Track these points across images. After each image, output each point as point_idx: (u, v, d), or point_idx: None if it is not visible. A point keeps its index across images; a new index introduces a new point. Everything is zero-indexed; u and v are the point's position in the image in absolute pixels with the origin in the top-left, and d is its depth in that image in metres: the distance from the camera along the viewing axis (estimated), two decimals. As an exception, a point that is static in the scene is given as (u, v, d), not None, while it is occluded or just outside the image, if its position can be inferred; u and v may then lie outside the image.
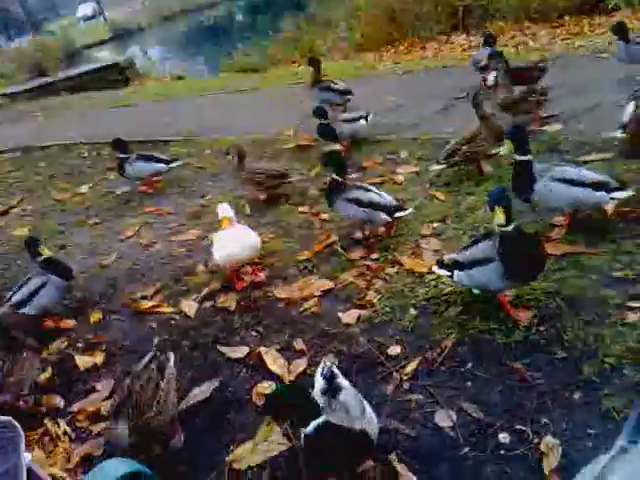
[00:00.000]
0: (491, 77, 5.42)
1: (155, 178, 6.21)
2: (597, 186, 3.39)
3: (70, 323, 4.08)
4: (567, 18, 10.13)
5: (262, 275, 4.05)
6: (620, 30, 5.75)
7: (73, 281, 4.24)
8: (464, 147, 4.57)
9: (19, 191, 7.27)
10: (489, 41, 6.59)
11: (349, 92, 7.03)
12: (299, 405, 2.14)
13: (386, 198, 4.02)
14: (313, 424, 2.12)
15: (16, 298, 3.95)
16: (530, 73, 5.81)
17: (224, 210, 3.87)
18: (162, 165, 5.95)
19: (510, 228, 2.77)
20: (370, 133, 5.94)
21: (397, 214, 3.96)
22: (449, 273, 3.14)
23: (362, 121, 5.72)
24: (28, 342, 3.42)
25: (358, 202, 3.97)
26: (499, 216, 2.70)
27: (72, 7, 67.51)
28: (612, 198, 3.41)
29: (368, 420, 2.30)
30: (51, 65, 22.46)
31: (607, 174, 3.56)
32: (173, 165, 6.02)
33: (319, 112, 5.62)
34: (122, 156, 6.00)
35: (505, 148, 3.45)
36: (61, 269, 4.07)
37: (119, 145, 6.03)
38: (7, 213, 6.59)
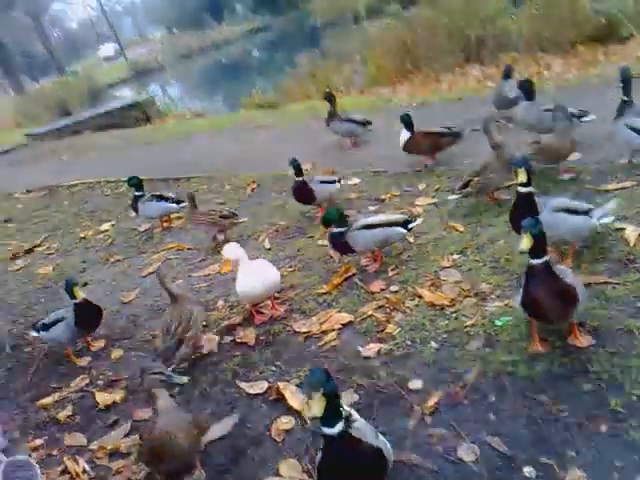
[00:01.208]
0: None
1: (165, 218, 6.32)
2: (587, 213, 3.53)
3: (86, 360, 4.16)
4: (581, 47, 10.18)
5: (281, 309, 4.06)
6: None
7: (92, 330, 4.28)
8: (476, 178, 4.59)
9: (44, 229, 7.41)
10: (509, 73, 6.53)
11: (369, 123, 7.16)
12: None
13: (393, 215, 4.32)
14: (338, 426, 2.10)
15: (42, 321, 4.20)
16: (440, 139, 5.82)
17: (228, 251, 3.89)
18: (174, 205, 6.06)
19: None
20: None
21: (410, 225, 4.15)
22: None
23: (337, 184, 5.38)
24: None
25: (369, 226, 4.09)
26: (525, 242, 2.65)
27: (93, 47, 69.59)
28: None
29: (383, 442, 2.31)
30: (75, 105, 23.13)
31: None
32: (184, 205, 6.03)
33: (294, 164, 5.22)
34: (137, 194, 6.14)
35: (521, 177, 3.42)
36: (82, 317, 4.10)
37: (133, 184, 6.17)
38: (32, 251, 6.72)
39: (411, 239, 4.51)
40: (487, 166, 4.59)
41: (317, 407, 2.03)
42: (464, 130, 5.81)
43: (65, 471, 3.11)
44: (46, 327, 4.13)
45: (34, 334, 4.24)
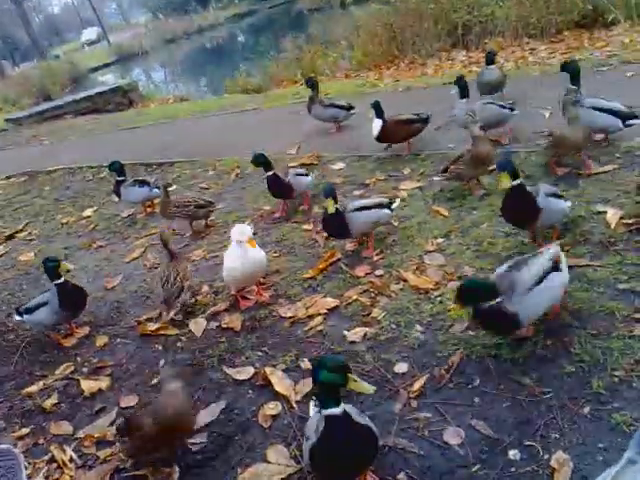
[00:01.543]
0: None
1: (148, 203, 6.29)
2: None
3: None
4: (566, 33, 10.19)
5: (267, 295, 4.05)
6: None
7: (78, 312, 4.23)
8: (451, 166, 4.67)
9: (25, 215, 7.32)
10: (492, 59, 6.52)
11: (352, 107, 7.14)
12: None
13: (377, 198, 4.37)
14: (342, 406, 2.16)
15: (25, 306, 4.16)
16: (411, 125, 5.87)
17: (240, 232, 3.79)
18: (156, 190, 5.99)
19: None
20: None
21: (392, 206, 4.25)
22: None
23: (310, 177, 5.29)
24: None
25: (363, 208, 4.12)
26: (504, 181, 3.37)
27: (76, 32, 68.61)
28: None
29: (370, 422, 2.34)
30: (56, 89, 22.77)
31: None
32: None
33: (260, 159, 5.06)
34: (119, 179, 6.10)
35: (504, 182, 3.44)
36: (66, 298, 4.04)
37: (114, 168, 6.13)
38: (12, 238, 6.63)
39: (395, 223, 4.52)
40: (460, 157, 4.66)
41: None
42: (430, 115, 5.92)
43: (52, 460, 3.08)
44: (30, 311, 4.08)
45: (17, 318, 4.19)
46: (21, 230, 6.77)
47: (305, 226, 4.93)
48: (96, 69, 38.17)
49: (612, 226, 3.65)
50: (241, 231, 3.79)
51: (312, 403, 2.62)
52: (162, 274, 4.02)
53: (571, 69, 5.07)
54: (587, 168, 4.48)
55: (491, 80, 6.43)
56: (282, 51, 15.47)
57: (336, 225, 4.07)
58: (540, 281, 2.78)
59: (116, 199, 6.46)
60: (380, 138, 5.84)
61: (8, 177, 9.43)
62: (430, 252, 4.02)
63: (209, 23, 45.92)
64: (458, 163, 4.62)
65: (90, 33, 62.46)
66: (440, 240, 4.14)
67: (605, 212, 3.79)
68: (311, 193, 5.42)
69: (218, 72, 23.55)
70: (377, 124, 5.75)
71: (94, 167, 8.63)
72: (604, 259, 3.39)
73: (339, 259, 4.25)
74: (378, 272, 3.95)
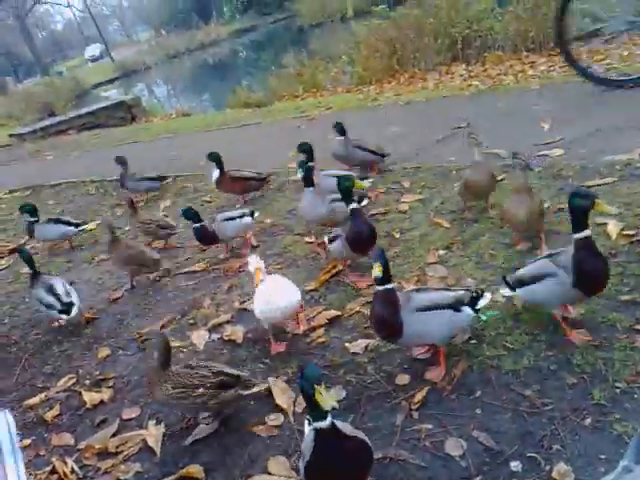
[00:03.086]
0: None
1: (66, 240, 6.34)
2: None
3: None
4: (565, 46, 10.25)
5: (303, 327, 3.74)
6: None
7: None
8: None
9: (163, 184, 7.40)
10: (341, 129, 5.81)
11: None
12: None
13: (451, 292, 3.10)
14: (329, 418, 2.14)
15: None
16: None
17: (253, 263, 3.54)
18: (71, 228, 6.10)
19: None
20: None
21: (479, 305, 3.01)
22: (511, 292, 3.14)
23: (247, 218, 4.91)
24: None
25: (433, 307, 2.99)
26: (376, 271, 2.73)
27: (79, 48, 69.25)
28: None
29: (362, 434, 2.32)
30: (60, 105, 22.92)
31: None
32: (84, 227, 6.20)
33: (188, 214, 4.86)
34: (31, 220, 6.11)
35: (376, 272, 2.77)
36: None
37: (27, 210, 6.12)
38: (16, 251, 6.63)
39: (397, 235, 4.53)
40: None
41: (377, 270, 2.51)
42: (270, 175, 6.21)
43: (53, 471, 3.08)
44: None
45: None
46: (25, 244, 6.80)
47: (307, 238, 4.95)
48: (99, 85, 38.51)
49: (613, 238, 3.66)
50: (251, 262, 3.55)
51: (306, 422, 2.59)
52: (175, 386, 2.99)
53: None
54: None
55: (337, 154, 5.93)
56: (283, 66, 15.59)
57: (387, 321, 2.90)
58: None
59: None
60: (217, 186, 6.13)
61: (12, 191, 9.49)
62: (431, 264, 4.03)
63: (211, 39, 46.32)
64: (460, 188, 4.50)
65: (93, 49, 63.09)
66: (441, 252, 4.15)
67: (606, 224, 3.80)
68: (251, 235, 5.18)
69: (220, 87, 23.73)
70: (215, 174, 6.02)
71: (97, 181, 8.69)
72: (605, 270, 3.39)
73: (341, 271, 4.26)
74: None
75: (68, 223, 6.13)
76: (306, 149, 5.37)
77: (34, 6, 50.87)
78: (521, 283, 3.05)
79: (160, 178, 7.29)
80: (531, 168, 3.88)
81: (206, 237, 4.91)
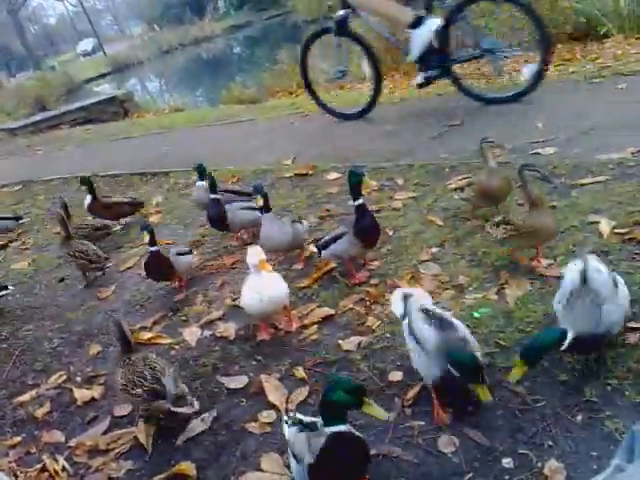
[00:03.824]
0: None
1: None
2: None
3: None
4: (559, 46, 10.26)
5: (294, 325, 3.74)
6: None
7: None
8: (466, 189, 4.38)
9: (18, 224, 7.28)
10: (202, 171, 5.29)
11: (20, 217, 6.96)
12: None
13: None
14: (339, 426, 2.22)
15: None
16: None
17: (254, 254, 3.45)
18: (11, 222, 6.32)
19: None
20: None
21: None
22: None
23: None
24: None
25: None
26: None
27: (72, 43, 68.84)
28: None
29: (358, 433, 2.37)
30: (52, 100, 22.82)
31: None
32: (22, 221, 6.53)
33: (148, 230, 4.25)
34: None
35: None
36: None
37: None
38: (6, 247, 6.60)
39: (390, 232, 4.53)
40: (470, 184, 4.32)
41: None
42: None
43: (44, 469, 3.06)
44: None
45: None
46: (15, 239, 6.75)
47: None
48: (92, 80, 38.28)
49: (605, 236, 3.67)
50: (253, 253, 3.46)
51: (285, 424, 2.57)
52: (122, 377, 3.07)
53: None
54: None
55: (197, 200, 5.45)
56: (277, 62, 15.55)
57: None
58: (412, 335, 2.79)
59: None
60: (89, 211, 6.13)
61: (2, 186, 9.41)
62: (425, 261, 4.03)
63: (205, 34, 46.16)
64: (467, 192, 4.32)
65: (86, 44, 62.72)
66: (435, 249, 4.15)
67: (598, 222, 3.81)
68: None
69: (214, 83, 23.66)
70: (87, 199, 6.01)
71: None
72: (597, 268, 3.40)
73: (334, 268, 4.26)
74: (373, 281, 3.96)
75: (4, 218, 6.38)
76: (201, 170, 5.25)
77: (27, 0, 50.54)
78: (325, 246, 3.99)
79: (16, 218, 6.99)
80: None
81: (158, 267, 4.37)
